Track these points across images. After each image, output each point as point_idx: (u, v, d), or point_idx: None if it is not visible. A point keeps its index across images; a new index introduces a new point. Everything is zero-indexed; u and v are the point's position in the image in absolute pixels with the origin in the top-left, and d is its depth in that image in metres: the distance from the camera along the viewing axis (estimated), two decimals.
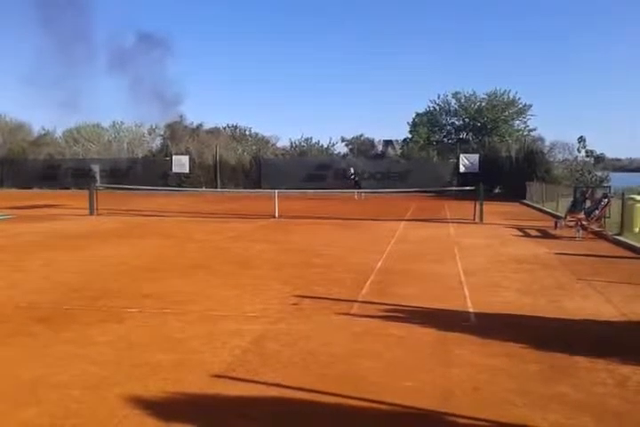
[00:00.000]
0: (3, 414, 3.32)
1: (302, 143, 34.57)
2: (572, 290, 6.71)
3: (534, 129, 36.08)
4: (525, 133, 35.38)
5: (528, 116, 36.72)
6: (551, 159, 26.29)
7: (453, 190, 23.12)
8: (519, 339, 4.74)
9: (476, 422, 3.25)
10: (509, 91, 36.27)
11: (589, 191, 13.76)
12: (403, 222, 14.61)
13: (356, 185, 25.71)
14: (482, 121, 35.93)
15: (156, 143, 37.20)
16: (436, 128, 37.97)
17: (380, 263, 8.46)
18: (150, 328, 5.08)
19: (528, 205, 21.17)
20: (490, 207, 16.49)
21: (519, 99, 36.20)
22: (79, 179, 30.03)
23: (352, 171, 26.93)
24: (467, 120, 36.93)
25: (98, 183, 24.80)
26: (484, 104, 36.31)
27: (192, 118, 38.83)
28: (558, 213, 15.54)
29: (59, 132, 38.41)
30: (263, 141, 36.90)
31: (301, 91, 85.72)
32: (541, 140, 29.07)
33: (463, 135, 37.18)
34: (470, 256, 9.20)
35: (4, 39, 72.54)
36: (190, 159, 30.01)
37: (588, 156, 28.30)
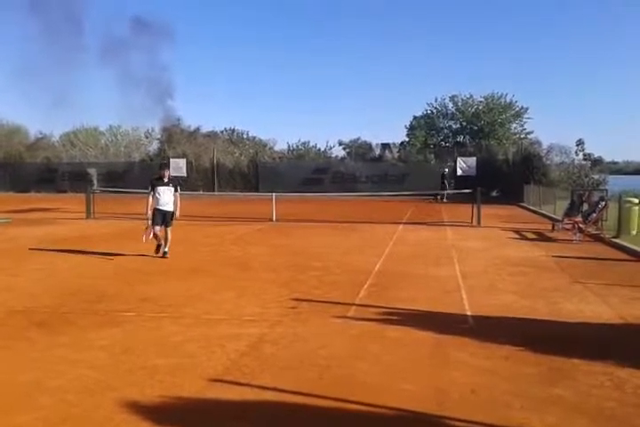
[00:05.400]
0: None
1: (300, 147, 34.60)
2: (570, 292, 6.71)
3: (531, 132, 36.24)
4: (522, 136, 35.47)
5: (525, 119, 36.88)
6: (548, 162, 26.32)
7: (451, 193, 23.12)
8: (517, 341, 4.74)
9: (474, 425, 3.24)
10: (506, 94, 36.43)
11: (586, 194, 13.78)
12: (400, 225, 14.61)
13: (445, 187, 25.05)
14: (479, 124, 36.02)
15: (153, 147, 37.20)
16: (434, 131, 38.06)
17: (377, 266, 8.46)
18: (147, 332, 5.06)
19: (525, 208, 21.19)
20: (487, 210, 16.50)
21: (516, 102, 36.36)
22: (76, 182, 29.98)
23: (446, 170, 26.31)
24: (464, 123, 37.01)
25: (95, 187, 24.74)
26: (481, 107, 36.40)
27: (189, 122, 38.82)
28: (556, 216, 15.56)
29: (56, 136, 38.41)
30: (260, 145, 36.89)
31: (299, 94, 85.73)
32: (538, 143, 29.12)
33: (460, 138, 37.24)
34: (468, 259, 9.20)
35: None
36: (187, 163, 30.00)
37: (585, 159, 28.35)
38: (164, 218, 9.24)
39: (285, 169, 30.45)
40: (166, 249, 9.25)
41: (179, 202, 9.46)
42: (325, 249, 10.31)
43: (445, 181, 25.63)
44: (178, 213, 9.45)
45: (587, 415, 3.38)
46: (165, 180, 9.37)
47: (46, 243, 11.00)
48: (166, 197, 9.27)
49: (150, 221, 9.20)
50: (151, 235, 9.22)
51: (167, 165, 10.12)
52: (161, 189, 9.26)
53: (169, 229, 9.30)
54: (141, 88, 49.62)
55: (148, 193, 9.40)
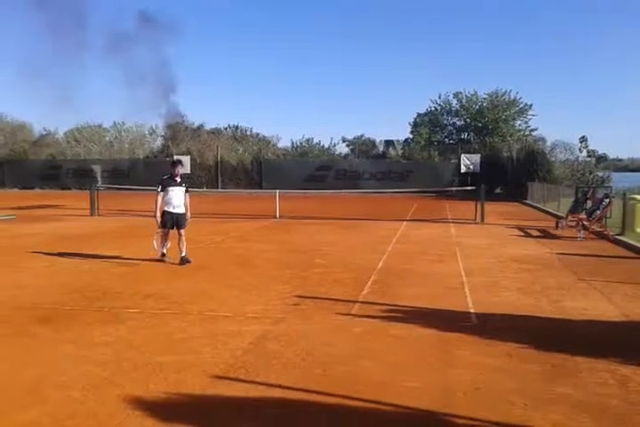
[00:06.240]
0: (4, 414, 3.32)
1: (303, 144, 34.59)
2: (574, 290, 6.70)
3: (535, 129, 36.15)
4: (527, 133, 35.37)
5: (529, 116, 36.76)
6: (552, 159, 26.26)
7: (454, 190, 23.10)
8: (520, 339, 4.74)
9: (477, 423, 3.24)
10: (510, 91, 36.31)
11: (591, 191, 13.75)
12: (404, 222, 14.60)
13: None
14: (483, 121, 35.91)
15: (157, 144, 37.27)
16: (438, 128, 37.98)
17: (380, 263, 8.46)
18: (151, 329, 5.08)
19: (529, 205, 21.15)
20: (491, 207, 16.49)
21: (520, 99, 36.23)
22: (80, 179, 30.11)
23: (471, 167, 26.45)
24: (468, 120, 36.92)
25: (99, 184, 24.80)
26: (485, 104, 36.29)
27: (193, 119, 38.91)
28: (559, 214, 15.52)
29: (60, 133, 38.50)
30: (264, 142, 36.89)
31: (303, 91, 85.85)
32: (542, 140, 29.08)
33: (464, 135, 37.17)
34: (471, 256, 9.19)
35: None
36: (191, 159, 30.02)
37: (589, 156, 28.28)
38: (175, 221, 8.41)
39: (289, 166, 30.45)
40: (183, 254, 8.38)
41: (189, 203, 8.66)
42: (329, 246, 10.31)
43: (469, 178, 25.63)
44: (189, 215, 8.66)
45: (590, 413, 3.37)
46: (178, 179, 8.50)
47: (51, 240, 11.05)
48: (178, 199, 8.43)
49: (160, 225, 8.43)
50: (163, 246, 8.49)
51: (181, 163, 8.87)
52: (172, 189, 8.39)
53: (182, 232, 8.44)
54: (145, 83, 49.77)
55: (157, 193, 8.44)
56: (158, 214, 8.43)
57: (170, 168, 8.66)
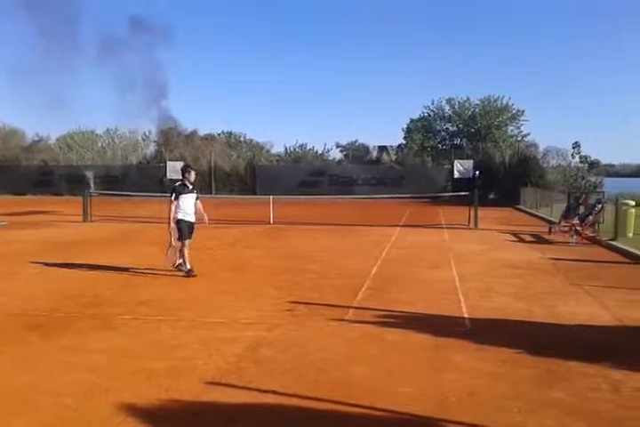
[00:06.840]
0: None
1: (297, 149, 34.60)
2: (567, 295, 6.72)
3: (528, 134, 36.41)
4: (519, 139, 35.59)
5: (521, 122, 37.04)
6: (545, 165, 26.43)
7: (448, 196, 23.15)
8: (514, 344, 4.75)
9: None
10: (503, 97, 36.58)
11: (583, 197, 13.84)
12: (397, 228, 14.62)
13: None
14: (476, 127, 36.16)
15: (150, 150, 37.17)
16: (431, 134, 38.20)
17: (374, 269, 8.46)
18: (144, 335, 5.05)
19: (522, 211, 21.24)
20: (484, 213, 16.54)
21: (512, 104, 36.52)
22: (73, 185, 29.94)
23: (477, 173, 26.43)
24: (461, 126, 37.17)
25: (92, 190, 24.67)
26: (477, 110, 36.56)
27: (187, 125, 38.81)
28: (552, 219, 15.59)
29: (52, 139, 38.35)
30: (258, 148, 36.87)
31: (296, 97, 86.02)
32: (535, 145, 29.24)
33: (457, 141, 37.38)
34: (465, 262, 9.21)
35: None
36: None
37: (582, 161, 28.41)
38: (191, 230, 8.07)
39: (283, 172, 30.43)
40: (180, 261, 8.02)
41: (202, 209, 8.38)
42: (322, 252, 10.30)
43: (461, 184, 25.67)
44: (206, 219, 8.36)
45: (584, 418, 3.38)
46: (190, 186, 8.14)
47: (43, 246, 10.98)
48: (191, 206, 8.07)
49: (177, 236, 7.99)
50: (178, 259, 7.94)
51: (191, 168, 8.43)
52: (186, 197, 8.02)
53: (188, 242, 8.07)
54: (137, 89, 49.60)
55: (171, 202, 7.98)
56: (173, 225, 8.00)
57: (182, 174, 8.24)
